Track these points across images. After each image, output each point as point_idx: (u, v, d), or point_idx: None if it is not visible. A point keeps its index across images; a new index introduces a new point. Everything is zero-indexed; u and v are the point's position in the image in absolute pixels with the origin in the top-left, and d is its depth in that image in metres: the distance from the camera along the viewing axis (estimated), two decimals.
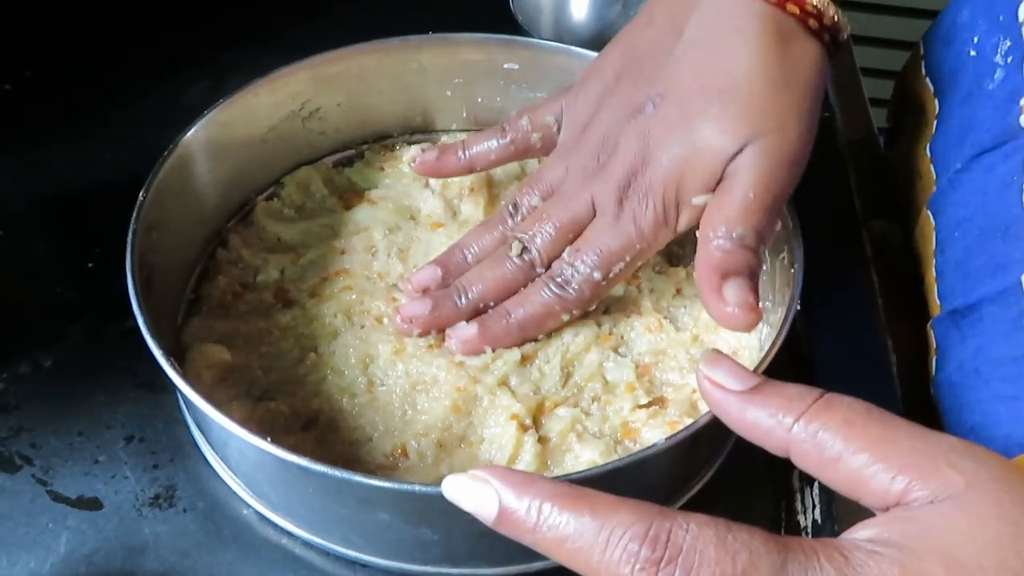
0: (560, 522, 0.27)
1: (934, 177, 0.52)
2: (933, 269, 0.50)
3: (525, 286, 0.46)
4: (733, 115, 0.42)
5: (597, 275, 0.44)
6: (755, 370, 0.37)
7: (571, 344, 0.46)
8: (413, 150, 0.53)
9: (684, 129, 0.43)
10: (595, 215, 0.45)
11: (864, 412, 0.28)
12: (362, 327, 0.46)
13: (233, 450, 0.42)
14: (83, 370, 0.47)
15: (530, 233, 0.45)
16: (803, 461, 0.29)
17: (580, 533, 0.26)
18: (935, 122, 0.52)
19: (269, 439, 0.37)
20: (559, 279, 0.45)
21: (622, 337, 0.47)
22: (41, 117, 0.60)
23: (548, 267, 0.45)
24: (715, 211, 0.42)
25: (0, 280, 0.52)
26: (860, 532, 0.27)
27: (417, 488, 0.36)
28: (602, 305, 0.48)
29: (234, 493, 0.43)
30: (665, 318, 0.47)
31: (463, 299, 0.45)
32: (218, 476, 0.44)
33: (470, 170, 0.51)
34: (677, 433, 0.38)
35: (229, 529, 0.42)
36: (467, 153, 0.50)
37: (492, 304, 0.46)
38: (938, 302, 0.49)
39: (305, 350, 0.46)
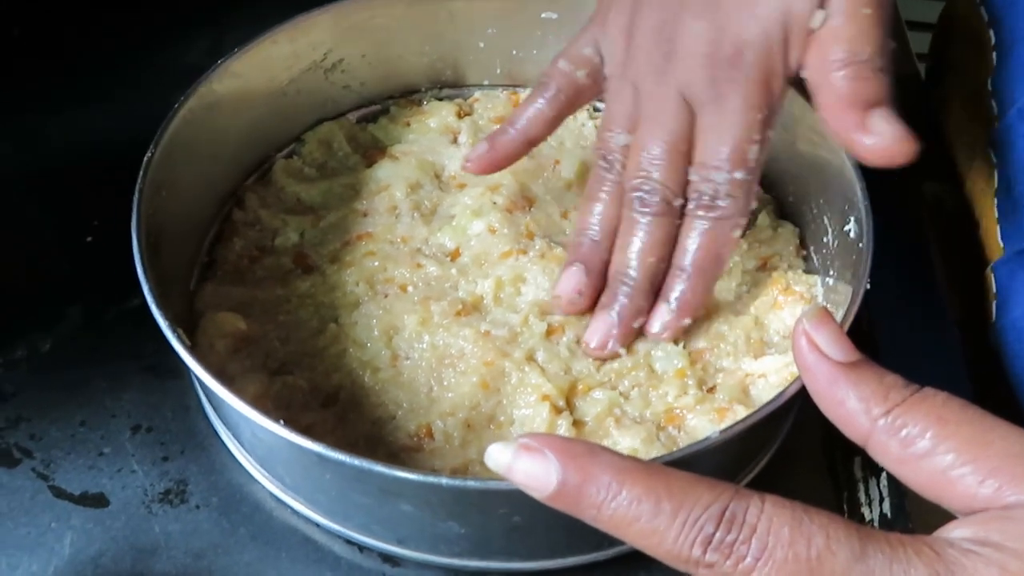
0: (631, 501, 0.25)
1: (995, 113, 0.49)
2: (994, 210, 0.47)
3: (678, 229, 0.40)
4: None
5: (739, 174, 0.38)
6: None
7: None
8: (463, 151, 0.47)
9: None
10: (694, 112, 0.39)
11: (959, 410, 0.26)
12: (385, 296, 0.44)
13: (246, 431, 0.39)
14: (84, 354, 0.44)
15: (641, 174, 0.39)
16: (882, 455, 0.27)
17: (654, 514, 0.25)
18: (993, 55, 0.49)
19: (282, 421, 0.34)
20: (705, 201, 0.39)
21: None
22: (31, 79, 0.56)
23: (684, 196, 0.40)
24: (830, 38, 0.36)
25: None
26: (954, 532, 0.25)
27: (444, 481, 0.33)
28: None
29: (251, 479, 0.40)
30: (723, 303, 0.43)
31: (628, 286, 0.40)
32: (233, 462, 0.41)
33: (529, 143, 0.44)
34: (733, 426, 0.34)
35: (246, 527, 0.39)
36: (517, 126, 0.43)
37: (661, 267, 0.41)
38: (1000, 244, 0.46)
39: (325, 320, 0.43)
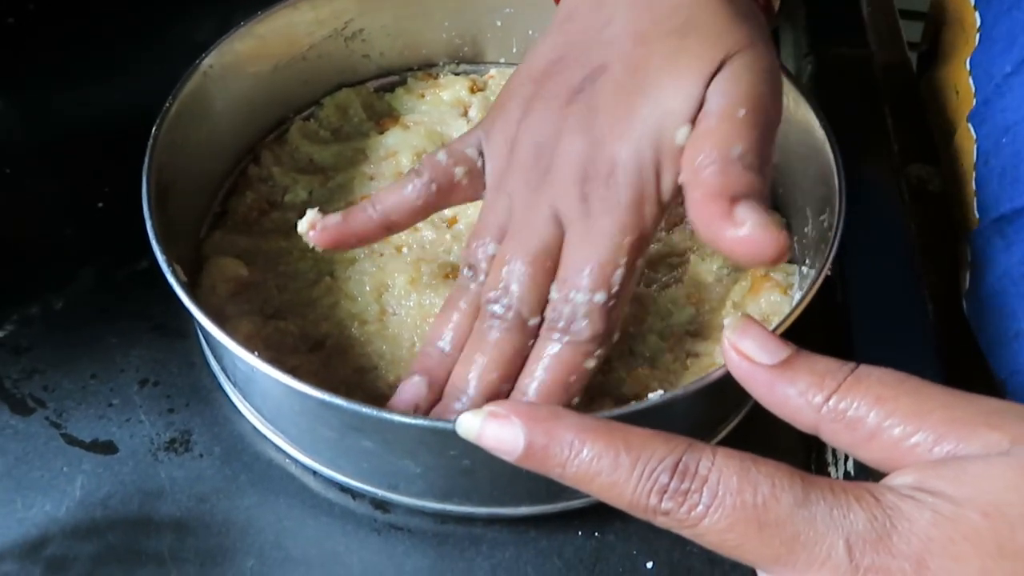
0: (592, 457, 0.26)
1: (973, 91, 0.50)
2: (972, 183, 0.48)
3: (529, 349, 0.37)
4: (697, 40, 0.36)
5: (599, 296, 0.36)
6: (776, 330, 0.35)
7: None
8: (309, 215, 0.41)
9: (638, 81, 0.36)
10: (564, 230, 0.37)
11: (895, 385, 0.27)
12: (381, 255, 0.46)
13: (228, 361, 0.41)
14: (95, 312, 0.46)
15: (500, 286, 0.37)
16: (835, 440, 0.28)
17: (614, 468, 0.26)
18: (976, 35, 0.51)
19: (256, 353, 0.35)
20: (560, 324, 0.36)
21: (660, 313, 0.44)
22: (46, 52, 0.58)
23: (542, 315, 0.37)
24: (703, 138, 0.35)
25: (8, 220, 0.50)
26: (898, 479, 0.26)
27: (396, 418, 0.34)
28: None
29: (251, 431, 0.42)
30: (704, 287, 0.44)
31: (462, 402, 0.37)
32: (235, 415, 0.42)
33: (387, 228, 0.40)
34: (671, 391, 0.35)
35: (246, 474, 0.41)
36: (379, 208, 0.40)
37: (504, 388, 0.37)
38: (976, 215, 0.48)
39: (321, 273, 0.45)
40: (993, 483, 0.25)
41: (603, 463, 0.26)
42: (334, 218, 0.40)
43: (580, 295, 0.36)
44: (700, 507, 0.25)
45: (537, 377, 0.36)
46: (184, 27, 0.60)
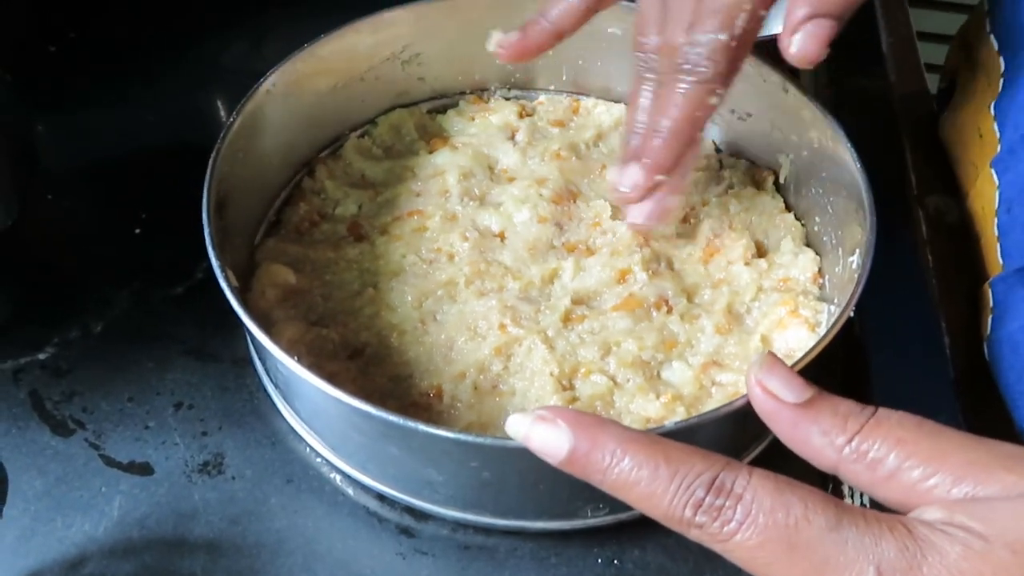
0: (633, 466, 0.27)
1: (997, 136, 0.50)
2: (995, 228, 0.49)
3: None
4: None
5: (723, 36, 0.40)
6: (796, 364, 0.37)
7: (624, 342, 0.44)
8: (496, 36, 0.47)
9: None
10: None
11: (914, 428, 0.28)
12: (430, 263, 0.47)
13: (271, 364, 0.43)
14: (131, 336, 0.47)
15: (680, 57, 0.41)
16: (854, 480, 0.29)
17: (653, 479, 0.27)
18: (1001, 80, 0.51)
19: (297, 358, 0.37)
20: (687, 65, 0.41)
21: (690, 342, 0.45)
22: (86, 79, 0.60)
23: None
24: None
25: (49, 245, 0.52)
26: (927, 514, 0.27)
27: (420, 427, 0.36)
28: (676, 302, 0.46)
29: (281, 456, 0.43)
30: (735, 319, 0.46)
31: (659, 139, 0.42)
32: (265, 440, 0.44)
33: (559, 35, 0.46)
34: (688, 419, 0.37)
35: (277, 498, 0.42)
36: (550, 18, 0.46)
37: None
38: (1000, 261, 0.48)
39: (365, 284, 0.47)
40: (1020, 522, 0.26)
41: (642, 473, 0.27)
42: (514, 35, 0.47)
43: (705, 36, 0.40)
44: (733, 523, 0.26)
45: (666, 115, 0.42)
46: (216, 54, 0.61)
